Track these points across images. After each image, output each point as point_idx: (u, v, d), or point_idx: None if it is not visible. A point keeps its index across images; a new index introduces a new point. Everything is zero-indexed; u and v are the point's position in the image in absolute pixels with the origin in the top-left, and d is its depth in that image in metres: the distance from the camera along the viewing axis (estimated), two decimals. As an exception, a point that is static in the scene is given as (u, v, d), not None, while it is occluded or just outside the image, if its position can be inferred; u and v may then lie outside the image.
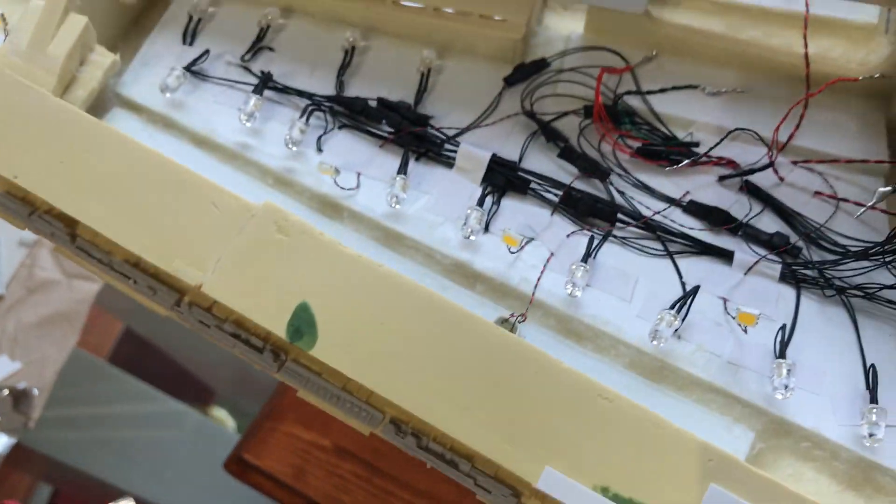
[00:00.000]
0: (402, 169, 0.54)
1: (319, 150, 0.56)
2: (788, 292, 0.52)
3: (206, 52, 0.60)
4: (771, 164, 0.56)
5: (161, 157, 0.49)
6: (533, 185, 0.55)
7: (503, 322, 0.47)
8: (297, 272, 0.46)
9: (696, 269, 0.53)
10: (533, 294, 0.50)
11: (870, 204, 0.48)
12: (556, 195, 0.55)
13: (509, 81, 0.61)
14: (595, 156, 0.58)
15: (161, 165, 0.49)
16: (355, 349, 0.44)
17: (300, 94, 0.59)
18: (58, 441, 1.36)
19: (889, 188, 0.47)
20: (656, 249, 0.54)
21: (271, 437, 0.98)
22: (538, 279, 0.51)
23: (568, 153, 0.57)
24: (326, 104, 0.58)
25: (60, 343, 1.21)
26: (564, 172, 0.57)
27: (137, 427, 1.52)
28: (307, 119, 0.56)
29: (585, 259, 0.51)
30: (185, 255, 0.47)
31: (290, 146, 0.55)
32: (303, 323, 0.45)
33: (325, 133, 0.57)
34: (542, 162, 0.58)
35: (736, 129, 0.57)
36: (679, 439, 0.41)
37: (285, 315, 0.45)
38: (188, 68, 0.59)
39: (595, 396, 0.42)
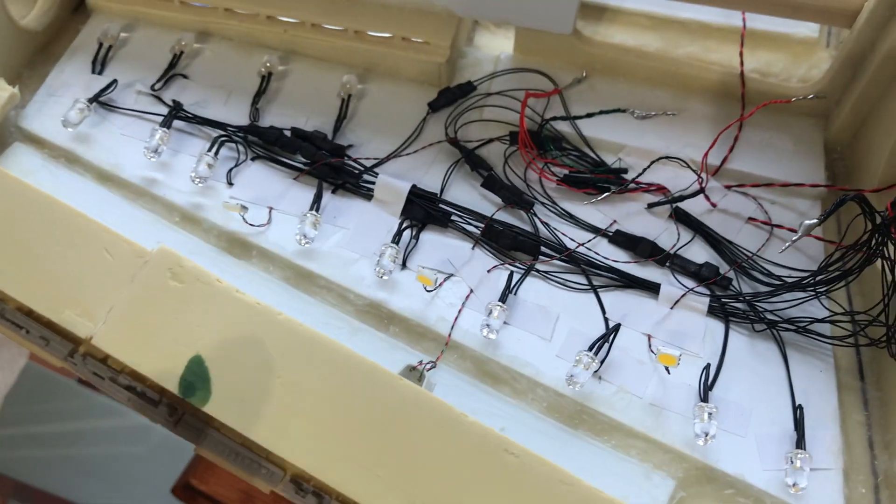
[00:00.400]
0: (315, 204, 0.52)
1: (230, 183, 0.54)
2: (717, 326, 0.50)
3: (114, 82, 0.58)
4: (702, 191, 0.54)
5: (52, 200, 0.47)
6: (454, 218, 0.53)
7: (411, 370, 0.45)
8: (192, 322, 0.43)
9: (621, 303, 0.51)
10: (449, 335, 0.48)
11: (794, 238, 0.45)
12: (478, 227, 0.53)
13: (433, 107, 0.59)
14: (521, 185, 0.56)
15: (52, 209, 0.47)
16: (251, 405, 0.42)
17: (212, 123, 0.56)
18: (14, 460, 1.33)
19: (815, 221, 0.45)
20: (580, 283, 0.51)
21: (219, 463, 0.96)
22: (454, 319, 0.48)
23: (491, 183, 0.55)
24: (239, 135, 0.56)
25: (9, 365, 1.18)
26: (489, 203, 0.55)
27: (98, 442, 1.49)
28: (216, 151, 0.54)
29: (504, 297, 0.49)
30: (76, 305, 0.45)
31: (197, 182, 0.52)
32: (196, 377, 0.43)
33: (236, 165, 0.55)
34: (466, 192, 0.56)
35: (661, 158, 0.55)
36: (589, 498, 0.39)
37: (178, 369, 0.43)
38: (94, 99, 0.56)
39: (501, 451, 0.40)
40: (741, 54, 0.59)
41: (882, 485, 0.45)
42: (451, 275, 0.51)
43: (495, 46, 0.65)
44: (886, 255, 0.47)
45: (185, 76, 0.60)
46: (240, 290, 0.44)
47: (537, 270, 0.52)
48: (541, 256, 0.52)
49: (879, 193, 0.53)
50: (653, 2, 0.64)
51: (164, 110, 0.57)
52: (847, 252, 0.48)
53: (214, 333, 0.43)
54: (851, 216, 0.52)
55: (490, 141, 0.57)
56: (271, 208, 0.53)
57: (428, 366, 0.45)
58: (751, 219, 0.55)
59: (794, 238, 0.46)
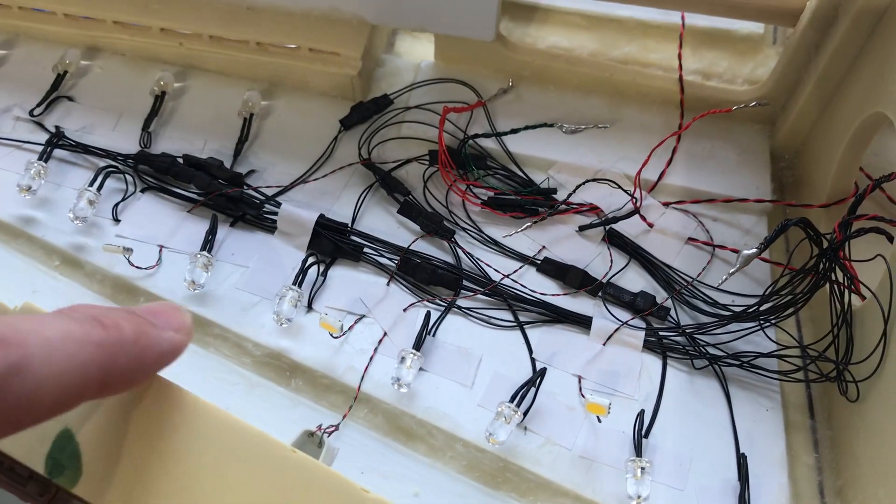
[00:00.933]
0: (207, 243, 0.46)
1: (116, 220, 0.48)
2: (654, 363, 0.46)
3: (-13, 107, 0.52)
4: (636, 211, 0.50)
5: None
6: (367, 251, 0.48)
7: (309, 436, 0.40)
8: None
9: (549, 340, 0.46)
10: (358, 388, 0.43)
11: (732, 271, 0.41)
12: (394, 260, 0.48)
13: (346, 124, 0.54)
14: (442, 209, 0.51)
15: None
16: (126, 485, 0.37)
17: (98, 152, 0.51)
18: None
19: (754, 251, 0.41)
20: (506, 320, 0.47)
21: None
22: (364, 369, 0.44)
23: (408, 209, 0.50)
24: (129, 163, 0.50)
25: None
26: (407, 231, 0.50)
27: None
28: (100, 185, 0.48)
29: (419, 342, 0.44)
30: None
31: (76, 222, 0.47)
32: (64, 455, 0.37)
33: (123, 199, 0.49)
34: (382, 219, 0.51)
35: (590, 181, 0.50)
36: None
37: (44, 446, 0.38)
38: (-37, 128, 0.51)
39: (406, 531, 0.35)
40: (679, 56, 0.55)
41: (834, 537, 0.41)
42: (363, 316, 0.46)
43: (418, 53, 0.60)
44: (835, 280, 0.43)
45: (70, 98, 0.54)
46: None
47: (458, 307, 0.47)
48: (463, 291, 0.47)
49: (829, 209, 0.49)
50: (588, 1, 0.60)
51: (45, 139, 0.51)
52: (794, 277, 0.43)
53: (86, 403, 0.38)
54: (799, 233, 0.48)
55: (408, 161, 0.53)
56: (161, 247, 0.47)
57: (330, 429, 0.41)
58: (691, 239, 0.51)
59: (731, 270, 0.42)
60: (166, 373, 0.36)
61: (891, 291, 0.39)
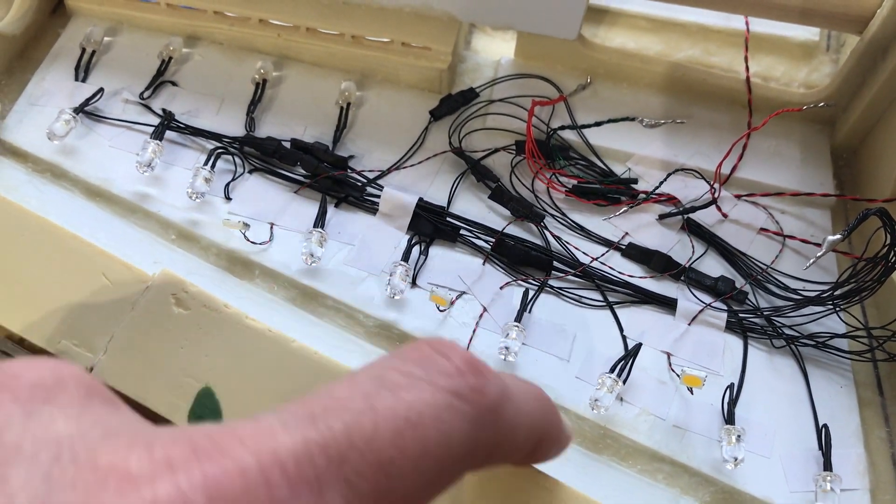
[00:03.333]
0: (319, 220, 0.49)
1: (228, 198, 0.51)
2: (736, 343, 0.49)
3: (101, 90, 0.55)
4: (714, 202, 0.53)
5: (42, 220, 0.44)
6: (463, 233, 0.51)
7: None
8: (199, 352, 0.41)
9: (637, 319, 0.49)
10: (464, 357, 0.46)
11: (819, 254, 0.44)
12: (488, 242, 0.51)
13: (435, 115, 0.57)
14: (528, 195, 0.54)
15: (43, 230, 0.44)
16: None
17: (206, 134, 0.54)
18: None
19: (838, 236, 0.44)
20: (595, 300, 0.50)
21: None
22: (469, 340, 0.47)
23: (499, 195, 0.53)
24: (235, 146, 0.53)
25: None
26: (497, 216, 0.53)
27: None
28: (213, 164, 0.51)
29: (519, 317, 0.47)
30: (73, 335, 0.42)
31: (194, 197, 0.49)
32: (206, 410, 0.40)
33: (233, 179, 0.52)
34: (474, 204, 0.54)
35: (678, 170, 0.53)
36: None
37: (186, 402, 0.40)
38: (80, 109, 0.53)
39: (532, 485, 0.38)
40: (746, 59, 0.58)
41: (907, 503, 0.44)
42: (463, 293, 0.49)
43: (493, 50, 0.63)
44: (905, 269, 0.46)
45: (174, 83, 0.57)
46: (249, 316, 0.42)
47: (551, 287, 0.50)
48: (554, 272, 0.50)
49: (892, 204, 0.53)
50: (653, 4, 0.63)
51: (154, 120, 0.54)
52: (865, 265, 0.47)
53: (224, 363, 0.41)
54: (865, 227, 0.52)
55: (496, 151, 0.56)
56: (273, 224, 0.50)
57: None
58: (762, 229, 0.54)
59: (818, 254, 0.45)
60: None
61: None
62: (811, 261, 0.45)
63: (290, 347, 0.41)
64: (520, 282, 0.50)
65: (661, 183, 0.53)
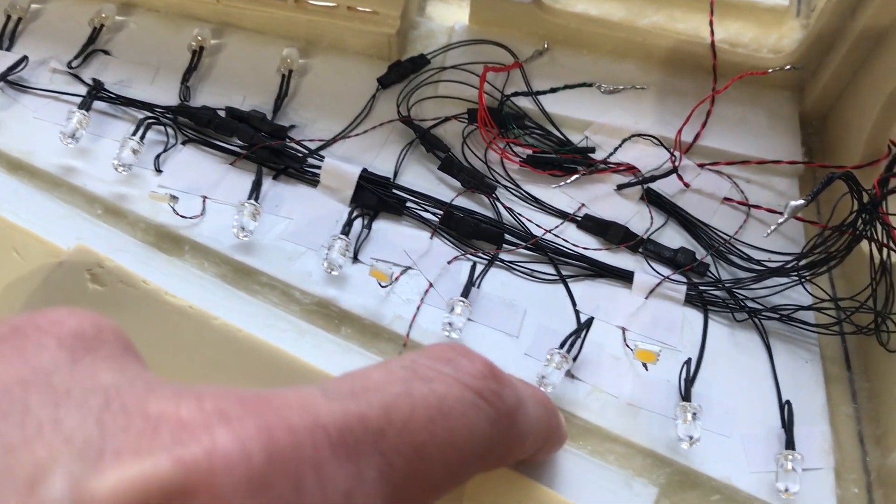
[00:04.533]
0: (254, 192, 0.46)
1: (158, 170, 0.48)
2: (696, 317, 0.46)
3: (25, 58, 0.52)
4: (675, 170, 0.50)
5: (-50, 193, 0.41)
6: (410, 205, 0.48)
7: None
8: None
9: (592, 293, 0.47)
10: (407, 335, 0.43)
11: (780, 221, 0.42)
12: (436, 215, 0.48)
13: (384, 82, 0.54)
14: (481, 166, 0.51)
15: (-51, 203, 0.41)
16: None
17: (137, 104, 0.51)
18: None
19: (801, 202, 0.42)
20: (548, 274, 0.47)
21: None
22: (413, 317, 0.44)
23: (449, 165, 0.50)
24: (168, 116, 0.50)
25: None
26: (447, 187, 0.51)
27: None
28: (142, 135, 0.48)
29: (466, 292, 0.44)
30: (-20, 313, 0.39)
31: (120, 170, 0.47)
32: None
33: (165, 150, 0.49)
34: (422, 175, 0.51)
35: (633, 136, 0.51)
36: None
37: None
38: (2, 78, 0.50)
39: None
40: (711, 22, 0.55)
41: (875, 483, 0.42)
42: (408, 268, 0.46)
43: (449, 17, 0.60)
44: (874, 237, 0.44)
45: (106, 52, 0.54)
46: (170, 292, 0.39)
47: (501, 260, 0.47)
48: (505, 245, 0.48)
49: (861, 170, 0.50)
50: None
51: (83, 90, 0.51)
52: (832, 234, 0.44)
53: (142, 342, 0.38)
54: (832, 195, 0.49)
55: (446, 119, 0.53)
56: (205, 198, 0.47)
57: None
58: (726, 199, 0.51)
59: (779, 221, 0.42)
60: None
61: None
62: (772, 228, 0.42)
63: (211, 325, 0.38)
64: (469, 256, 0.47)
65: (616, 150, 0.51)
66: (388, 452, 0.21)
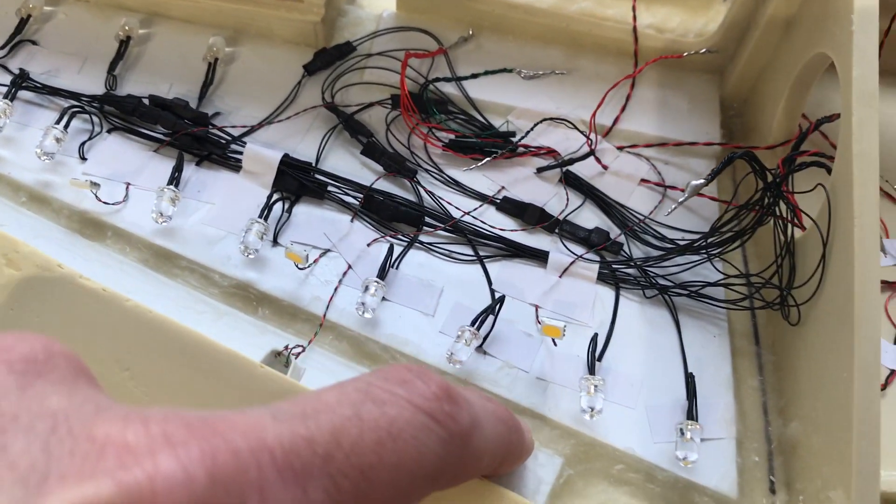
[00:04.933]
0: (173, 178, 0.47)
1: (83, 158, 0.49)
2: (608, 294, 0.48)
3: (-51, 49, 0.52)
4: (592, 153, 0.52)
5: None
6: (331, 189, 0.50)
7: (276, 356, 0.41)
8: (30, 313, 0.39)
9: (508, 273, 0.48)
10: (324, 316, 0.44)
11: (681, 199, 0.43)
12: (358, 198, 0.49)
13: (309, 70, 0.55)
14: (405, 152, 0.52)
15: None
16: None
17: (63, 93, 0.51)
18: None
19: (701, 181, 0.43)
20: (466, 254, 0.48)
21: None
22: (330, 298, 0.45)
23: (371, 150, 0.51)
24: (93, 105, 0.51)
25: None
26: (370, 172, 0.52)
27: None
28: (66, 124, 0.49)
29: (382, 272, 0.45)
30: None
31: (43, 158, 0.47)
32: (33, 373, 0.38)
33: (89, 138, 0.50)
34: (345, 160, 0.52)
35: (546, 119, 0.52)
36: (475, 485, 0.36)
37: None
38: (-74, 69, 0.51)
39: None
40: (634, 7, 0.57)
41: (776, 451, 0.44)
42: (328, 250, 0.48)
43: (379, 4, 0.61)
44: (779, 215, 0.45)
45: (34, 42, 0.55)
46: (84, 276, 0.40)
47: (421, 242, 0.48)
48: (425, 227, 0.49)
49: (773, 151, 0.52)
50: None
51: (9, 80, 0.52)
52: (740, 212, 0.46)
53: (56, 325, 0.39)
54: (746, 175, 0.51)
55: (370, 105, 0.54)
56: (128, 184, 0.48)
57: (296, 349, 0.42)
58: (643, 180, 0.53)
59: (680, 200, 0.44)
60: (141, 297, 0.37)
61: (829, 217, 0.41)
62: (673, 207, 0.44)
63: (123, 307, 0.39)
64: (388, 238, 0.48)
65: (530, 131, 0.52)
66: (335, 475, 0.21)
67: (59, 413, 0.19)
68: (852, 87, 0.40)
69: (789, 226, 0.45)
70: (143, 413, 0.19)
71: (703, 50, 0.54)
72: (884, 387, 0.47)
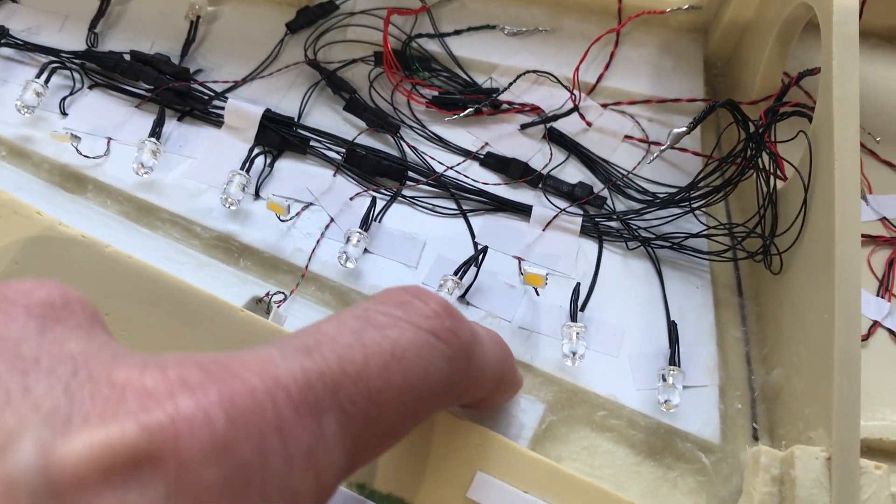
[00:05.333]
0: (155, 130, 0.47)
1: (64, 113, 0.49)
2: (591, 247, 0.48)
3: (-72, 5, 0.52)
4: (575, 109, 0.52)
5: None
6: (313, 144, 0.49)
7: (257, 303, 0.41)
8: (10, 260, 0.39)
9: (492, 226, 0.48)
10: (306, 267, 0.44)
11: (662, 148, 0.43)
12: (340, 153, 0.49)
13: (292, 27, 0.55)
14: (388, 108, 0.52)
15: None
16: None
17: (43, 50, 0.51)
18: None
19: (683, 129, 0.43)
20: (449, 208, 0.48)
21: None
22: (312, 250, 0.45)
23: (353, 106, 0.51)
24: (75, 61, 0.51)
25: None
26: (352, 128, 0.52)
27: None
28: (47, 79, 0.49)
29: (365, 224, 0.45)
30: None
31: (23, 111, 0.47)
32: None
33: (70, 94, 0.50)
34: (328, 116, 0.52)
35: (528, 72, 0.52)
36: (443, 422, 0.36)
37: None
38: None
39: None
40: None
41: (758, 399, 0.44)
42: (310, 204, 0.47)
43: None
44: (761, 166, 0.45)
45: (14, 0, 0.54)
46: (63, 223, 0.40)
47: (404, 196, 0.48)
48: (408, 182, 0.49)
49: (756, 106, 0.52)
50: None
51: (-10, 37, 0.52)
52: (721, 164, 0.46)
53: (35, 270, 0.39)
54: (730, 130, 0.51)
55: (353, 62, 0.54)
56: (109, 139, 0.48)
57: (277, 297, 0.42)
58: (627, 136, 0.53)
59: (661, 148, 0.44)
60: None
61: (810, 163, 0.41)
62: (654, 155, 0.44)
63: (103, 252, 0.39)
64: (371, 192, 0.48)
65: (511, 84, 0.52)
66: (344, 404, 0.22)
67: (78, 357, 0.19)
68: (833, 31, 0.40)
69: (772, 177, 0.45)
70: (159, 359, 0.20)
71: (686, 6, 0.54)
72: (865, 337, 0.47)
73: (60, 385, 0.18)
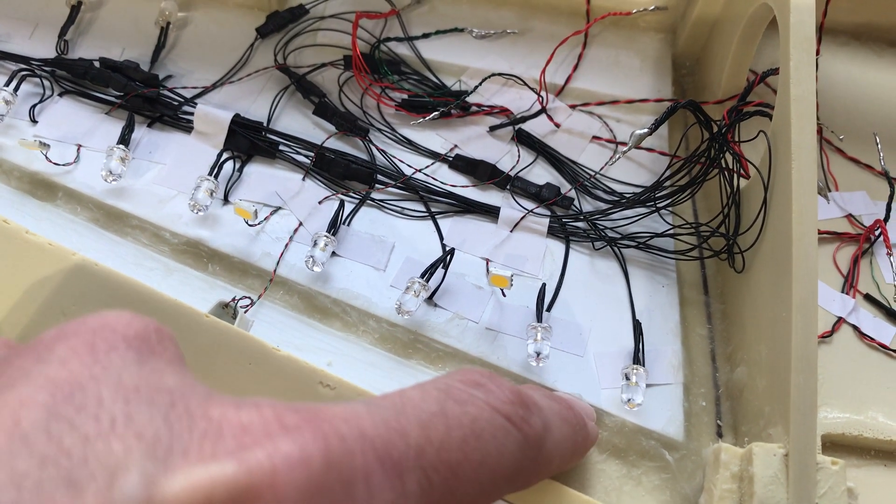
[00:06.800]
0: (124, 137, 0.47)
1: (34, 121, 0.49)
2: (558, 248, 0.48)
3: None
4: (543, 110, 0.52)
5: None
6: (282, 148, 0.50)
7: (223, 308, 0.41)
8: (-28, 268, 0.39)
9: (460, 228, 0.48)
10: (274, 271, 0.45)
11: (624, 150, 0.44)
12: (309, 157, 0.50)
13: (262, 32, 0.55)
14: (357, 112, 0.53)
15: None
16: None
17: (13, 58, 0.51)
18: None
19: (645, 130, 0.43)
20: (418, 211, 0.49)
21: None
22: (280, 254, 0.45)
23: (323, 110, 0.51)
24: (45, 69, 0.51)
25: None
26: (322, 131, 0.52)
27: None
28: (16, 87, 0.49)
29: (333, 228, 0.46)
30: None
31: (-8, 120, 0.47)
32: (-21, 326, 0.38)
33: (40, 101, 0.50)
34: (298, 121, 0.52)
35: (495, 74, 0.52)
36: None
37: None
38: None
39: (315, 385, 0.37)
40: (586, -33, 0.57)
41: (723, 396, 0.44)
42: (279, 208, 0.48)
43: (335, -31, 0.61)
44: (724, 166, 0.46)
45: (-16, 9, 0.54)
46: (30, 231, 0.40)
47: (373, 199, 0.49)
48: (377, 185, 0.49)
49: (722, 105, 0.52)
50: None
51: (-41, 46, 0.52)
52: (687, 164, 0.46)
53: (1, 279, 0.39)
54: (696, 130, 0.51)
55: (323, 66, 0.54)
56: (79, 146, 0.48)
57: (244, 302, 0.42)
58: (595, 137, 0.53)
59: (623, 150, 0.44)
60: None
61: (769, 162, 0.42)
62: (617, 156, 0.44)
63: (70, 260, 0.39)
64: (339, 195, 0.48)
65: (476, 88, 0.52)
66: (427, 469, 0.22)
67: (174, 390, 0.20)
68: (790, 32, 0.41)
69: (735, 177, 0.46)
70: (251, 399, 0.20)
71: (652, 7, 0.54)
72: (830, 333, 0.47)
73: (160, 415, 0.19)
